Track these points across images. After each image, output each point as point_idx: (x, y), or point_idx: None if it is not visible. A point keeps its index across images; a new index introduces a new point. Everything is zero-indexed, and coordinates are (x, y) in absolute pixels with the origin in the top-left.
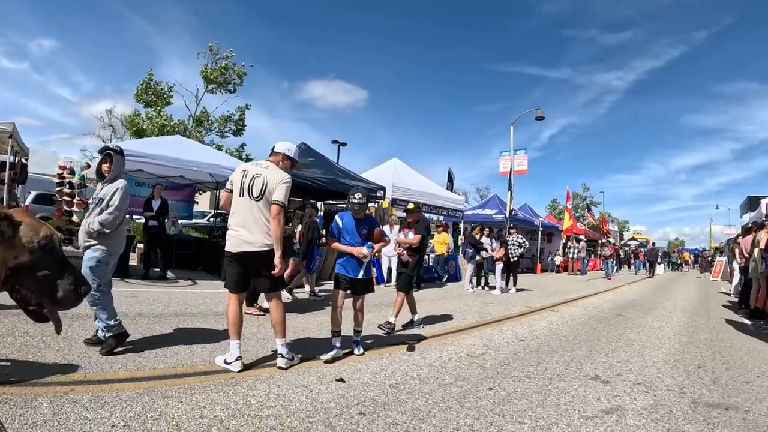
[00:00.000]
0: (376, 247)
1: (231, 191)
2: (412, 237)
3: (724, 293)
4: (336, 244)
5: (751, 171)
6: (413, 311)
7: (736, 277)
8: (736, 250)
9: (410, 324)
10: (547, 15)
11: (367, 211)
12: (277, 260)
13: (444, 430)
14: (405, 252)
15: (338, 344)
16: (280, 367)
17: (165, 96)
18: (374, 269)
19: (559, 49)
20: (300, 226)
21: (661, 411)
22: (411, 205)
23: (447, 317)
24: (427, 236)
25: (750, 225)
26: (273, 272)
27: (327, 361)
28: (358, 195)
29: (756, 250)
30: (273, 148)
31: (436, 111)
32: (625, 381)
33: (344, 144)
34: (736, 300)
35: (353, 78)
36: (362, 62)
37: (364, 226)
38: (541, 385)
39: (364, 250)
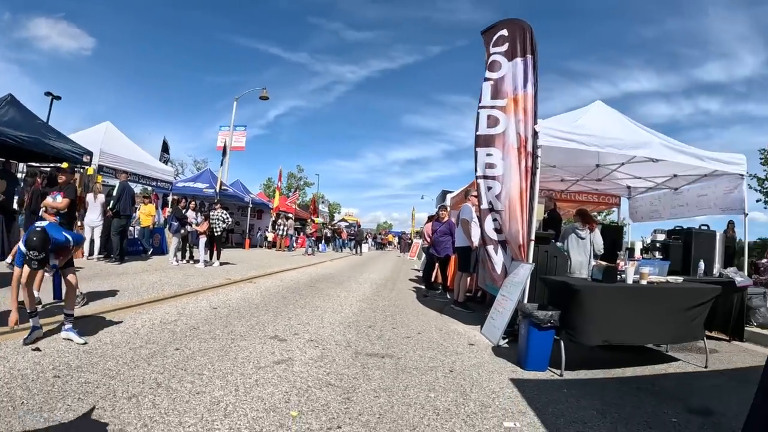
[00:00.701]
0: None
1: None
2: (60, 200)
3: (415, 269)
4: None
5: (457, 170)
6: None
7: (423, 256)
8: (424, 234)
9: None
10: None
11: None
12: None
13: (131, 383)
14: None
15: (36, 323)
16: None
17: None
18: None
19: (303, 34)
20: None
21: (325, 360)
22: (64, 164)
23: (147, 289)
24: (76, 200)
25: (433, 214)
26: None
27: (28, 343)
28: (33, 252)
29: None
30: None
31: (164, 76)
32: (300, 339)
33: (59, 98)
34: (421, 275)
35: (83, 22)
36: (96, 5)
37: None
38: (223, 344)
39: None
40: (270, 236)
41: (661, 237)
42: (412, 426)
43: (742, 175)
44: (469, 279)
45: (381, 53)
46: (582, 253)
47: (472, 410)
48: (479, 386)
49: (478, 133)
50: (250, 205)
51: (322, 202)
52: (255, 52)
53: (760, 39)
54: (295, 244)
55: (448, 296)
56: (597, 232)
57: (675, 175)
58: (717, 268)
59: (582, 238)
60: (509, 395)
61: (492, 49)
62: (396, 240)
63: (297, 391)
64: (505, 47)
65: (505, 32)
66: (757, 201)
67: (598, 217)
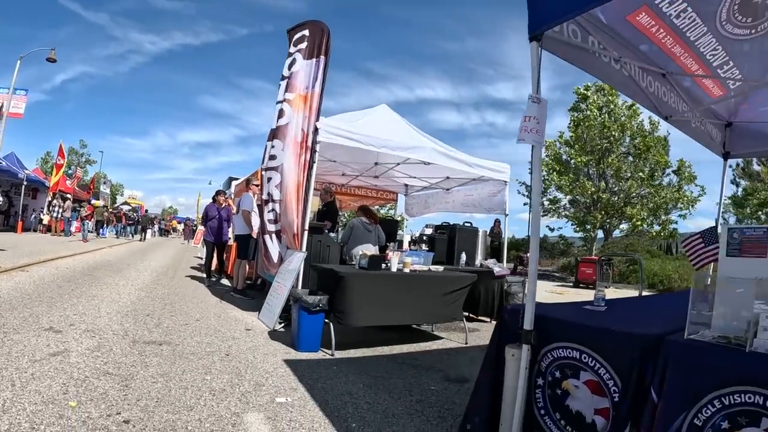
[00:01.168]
0: None
1: None
2: None
3: (198, 257)
4: None
5: (248, 156)
6: None
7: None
8: None
9: None
10: None
11: None
12: None
13: None
14: None
15: None
16: None
17: None
18: None
19: None
20: None
21: (103, 350)
22: None
23: None
24: None
25: None
26: None
27: None
28: None
29: None
30: None
31: None
32: (77, 329)
33: None
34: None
35: None
36: None
37: None
38: None
39: None
40: (45, 219)
41: (430, 231)
42: (189, 407)
43: (506, 181)
44: (248, 266)
45: (186, 26)
46: (369, 245)
47: (246, 389)
48: (254, 367)
49: (272, 127)
50: (25, 183)
51: (104, 183)
52: (48, 3)
53: (546, 68)
54: (72, 229)
55: (229, 283)
56: (379, 226)
57: (448, 177)
58: (479, 259)
59: (369, 231)
60: (282, 374)
61: (292, 48)
62: (181, 226)
63: (75, 382)
64: (303, 46)
65: (306, 32)
66: (524, 204)
67: (380, 211)
